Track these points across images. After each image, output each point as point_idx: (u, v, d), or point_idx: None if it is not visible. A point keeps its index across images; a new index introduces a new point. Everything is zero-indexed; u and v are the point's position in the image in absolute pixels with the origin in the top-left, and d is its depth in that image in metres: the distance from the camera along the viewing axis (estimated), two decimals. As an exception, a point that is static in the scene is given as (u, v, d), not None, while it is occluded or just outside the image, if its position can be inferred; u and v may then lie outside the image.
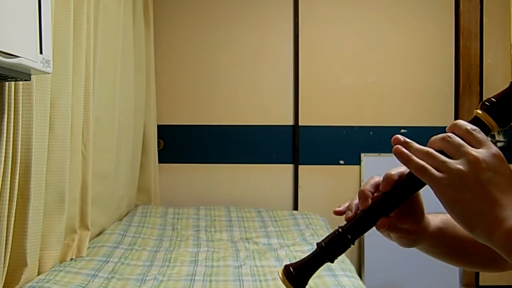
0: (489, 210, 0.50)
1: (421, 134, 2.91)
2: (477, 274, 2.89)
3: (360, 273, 2.81)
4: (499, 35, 2.91)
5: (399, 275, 2.84)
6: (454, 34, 2.94)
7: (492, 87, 2.90)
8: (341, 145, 2.95)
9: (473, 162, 0.51)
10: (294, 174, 2.95)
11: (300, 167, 2.95)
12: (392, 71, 2.96)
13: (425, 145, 0.56)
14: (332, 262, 0.62)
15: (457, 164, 0.51)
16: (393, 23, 2.96)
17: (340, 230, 0.61)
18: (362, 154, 2.93)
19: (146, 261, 1.87)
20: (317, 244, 0.62)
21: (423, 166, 0.53)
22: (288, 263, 0.63)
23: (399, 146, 0.56)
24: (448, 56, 2.95)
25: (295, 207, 2.93)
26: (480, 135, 0.53)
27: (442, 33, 2.95)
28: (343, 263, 1.84)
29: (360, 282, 1.69)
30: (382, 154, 2.91)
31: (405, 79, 2.96)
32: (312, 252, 0.62)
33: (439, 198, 0.53)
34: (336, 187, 2.95)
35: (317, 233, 2.28)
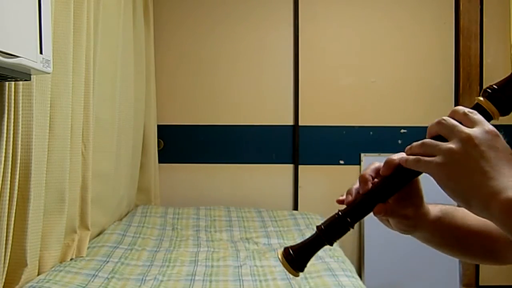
0: (483, 183, 0.51)
1: (421, 134, 2.89)
2: (477, 274, 2.89)
3: (360, 273, 2.81)
4: (499, 35, 2.91)
5: (399, 275, 2.84)
6: (454, 34, 2.94)
7: (492, 87, 2.90)
8: (341, 145, 2.95)
9: (465, 139, 0.52)
10: (294, 174, 2.95)
11: (300, 167, 2.95)
12: (392, 71, 2.96)
13: None
14: (331, 245, 0.62)
15: (448, 144, 0.53)
16: (393, 23, 2.96)
17: (340, 213, 0.62)
18: (362, 154, 2.93)
19: (146, 261, 1.87)
20: (317, 227, 0.63)
21: (415, 158, 0.55)
22: (289, 245, 0.63)
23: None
24: (448, 56, 2.95)
25: (295, 207, 2.93)
26: (476, 116, 0.54)
27: (442, 33, 2.95)
28: (343, 263, 1.84)
29: (360, 282, 1.69)
30: (382, 154, 2.91)
31: (405, 79, 2.96)
32: (312, 235, 0.63)
33: (435, 180, 0.54)
34: (336, 187, 2.95)
35: (317, 233, 2.28)
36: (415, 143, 0.58)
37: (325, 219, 0.64)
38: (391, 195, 0.62)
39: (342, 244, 2.36)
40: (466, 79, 2.91)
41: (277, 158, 2.96)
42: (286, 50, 2.95)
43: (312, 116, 2.95)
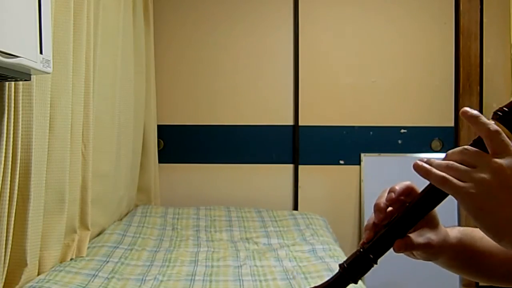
0: None
1: (421, 134, 2.91)
2: (477, 274, 2.89)
3: (360, 273, 2.81)
4: (499, 35, 2.91)
5: (399, 275, 2.83)
6: (454, 34, 2.94)
7: (492, 87, 2.90)
8: (341, 145, 2.95)
9: (497, 169, 0.49)
10: (294, 174, 2.95)
11: (300, 167, 2.94)
12: (392, 71, 2.96)
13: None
14: (356, 283, 0.62)
15: (480, 173, 0.50)
16: (393, 23, 2.96)
17: (361, 250, 0.61)
18: (362, 154, 2.93)
19: (146, 261, 1.87)
20: (340, 265, 0.62)
21: (444, 177, 0.52)
22: (313, 285, 0.63)
23: (418, 161, 0.55)
24: (448, 56, 2.95)
25: (295, 207, 2.93)
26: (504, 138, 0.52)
27: (442, 33, 2.95)
28: (343, 263, 1.84)
29: (360, 282, 1.69)
30: (382, 154, 2.91)
31: (405, 79, 2.96)
32: (335, 274, 0.62)
33: (464, 208, 0.51)
34: (336, 187, 2.95)
35: (317, 233, 2.28)
36: (438, 161, 0.54)
37: (347, 257, 0.63)
38: (411, 227, 0.60)
39: (342, 244, 2.36)
40: (466, 79, 2.91)
41: (277, 158, 2.96)
42: (286, 50, 2.94)
43: (312, 116, 2.95)
